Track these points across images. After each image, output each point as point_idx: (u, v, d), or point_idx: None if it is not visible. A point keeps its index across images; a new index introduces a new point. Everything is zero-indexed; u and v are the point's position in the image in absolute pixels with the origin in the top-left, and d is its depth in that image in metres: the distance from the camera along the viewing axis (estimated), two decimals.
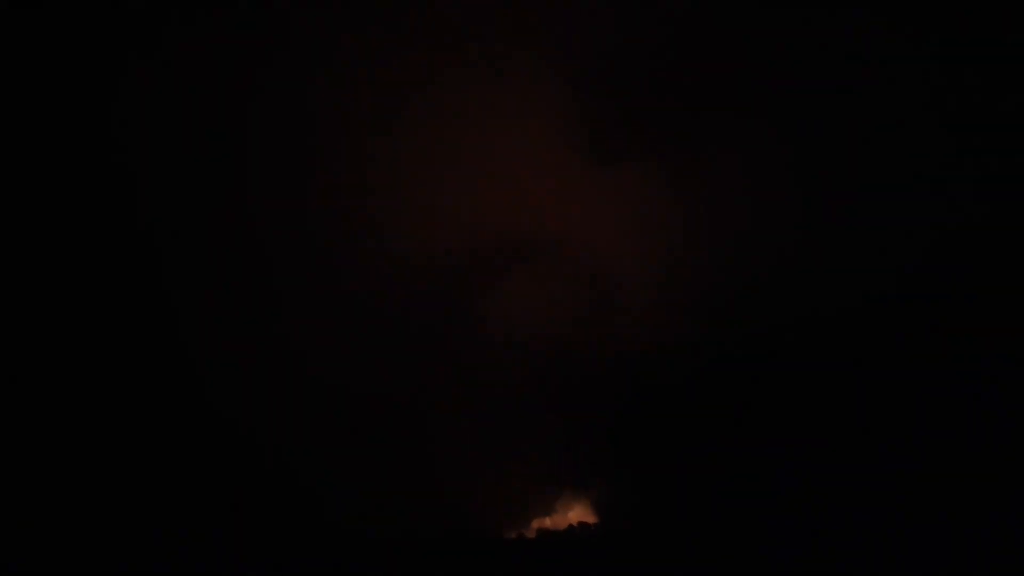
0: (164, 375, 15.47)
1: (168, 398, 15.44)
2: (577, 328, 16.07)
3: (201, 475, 15.29)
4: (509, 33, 16.11)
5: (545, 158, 16.14)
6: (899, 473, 14.87)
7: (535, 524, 15.74)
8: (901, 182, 15.78)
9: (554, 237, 16.21)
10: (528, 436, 15.94)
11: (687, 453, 15.54)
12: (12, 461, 15.00)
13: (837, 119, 15.85)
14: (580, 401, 15.95)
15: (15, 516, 14.66)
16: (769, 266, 15.64)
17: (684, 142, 16.02)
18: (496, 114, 16.13)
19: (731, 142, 15.96)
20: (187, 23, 15.56)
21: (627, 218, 16.20)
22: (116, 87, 15.54)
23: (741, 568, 14.39)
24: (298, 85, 15.78)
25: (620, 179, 16.11)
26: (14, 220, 15.59)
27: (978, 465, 14.78)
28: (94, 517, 14.86)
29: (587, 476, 15.91)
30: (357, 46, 16.03)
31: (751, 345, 15.61)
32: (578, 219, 16.22)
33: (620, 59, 15.99)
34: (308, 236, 16.01)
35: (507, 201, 16.14)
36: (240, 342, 15.76)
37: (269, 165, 15.81)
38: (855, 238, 15.78)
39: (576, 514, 15.76)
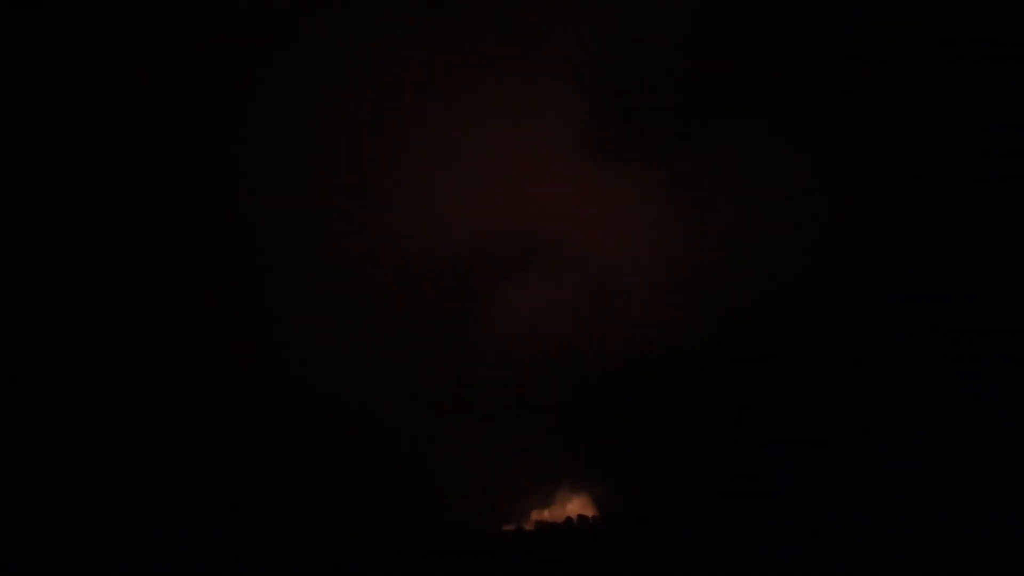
0: (163, 376, 15.65)
1: (168, 399, 15.62)
2: (580, 327, 16.18)
3: (204, 474, 15.50)
4: (515, 31, 16.16)
5: (550, 159, 16.20)
6: (902, 474, 14.92)
7: (534, 517, 15.90)
8: (910, 184, 15.74)
9: (559, 238, 16.31)
10: (529, 431, 16.06)
11: (688, 451, 15.63)
12: (9, 462, 15.20)
13: (846, 120, 15.83)
14: (581, 398, 16.06)
15: (15, 517, 14.85)
16: (776, 269, 15.65)
17: (691, 143, 16.03)
18: (501, 114, 16.19)
19: (739, 144, 15.96)
20: (185, 21, 15.69)
21: (633, 219, 16.23)
22: (115, 86, 15.72)
23: (740, 565, 14.50)
24: (298, 81, 15.90)
25: (626, 180, 16.14)
26: (10, 220, 15.76)
27: (982, 466, 14.83)
28: (92, 517, 15.06)
29: (587, 470, 16.03)
30: (359, 43, 16.11)
31: (755, 346, 15.64)
32: (583, 220, 16.29)
33: (627, 59, 16.02)
34: (310, 235, 16.16)
35: (512, 201, 16.23)
36: (242, 339, 15.94)
37: (270, 163, 15.96)
38: (863, 241, 15.76)
39: (575, 507, 15.92)
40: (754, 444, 15.39)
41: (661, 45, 15.98)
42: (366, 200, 16.15)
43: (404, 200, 16.18)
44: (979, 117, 15.78)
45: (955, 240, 15.44)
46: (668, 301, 15.99)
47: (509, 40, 16.15)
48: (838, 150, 15.79)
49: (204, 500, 15.37)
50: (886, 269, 15.57)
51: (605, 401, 16.00)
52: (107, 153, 15.76)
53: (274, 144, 15.97)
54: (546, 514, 15.95)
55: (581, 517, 15.71)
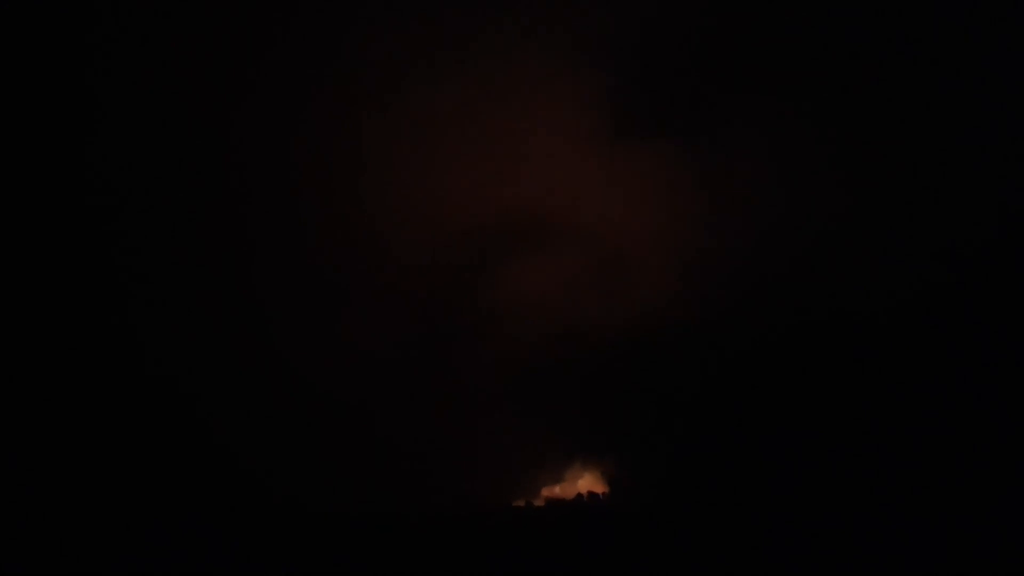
0: (167, 371, 15.65)
1: (172, 394, 15.63)
2: (592, 306, 16.10)
3: (214, 464, 15.52)
4: (529, 13, 16.11)
5: (563, 140, 16.16)
6: (912, 464, 14.71)
7: (544, 492, 15.77)
8: (926, 174, 15.60)
9: (572, 218, 16.27)
10: (540, 409, 15.96)
11: (699, 431, 15.54)
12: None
13: (859, 108, 15.74)
14: (593, 375, 15.97)
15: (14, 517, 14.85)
16: (786, 250, 15.57)
17: (704, 125, 15.98)
18: (515, 93, 16.15)
19: (752, 126, 15.88)
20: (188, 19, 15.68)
21: (645, 200, 16.17)
22: (114, 86, 15.77)
23: (748, 544, 14.27)
24: (304, 59, 15.90)
25: (638, 161, 16.09)
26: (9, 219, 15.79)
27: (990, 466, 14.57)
28: (91, 517, 15.03)
29: (599, 447, 15.90)
30: (370, 22, 16.05)
31: (765, 327, 15.53)
32: (596, 200, 16.25)
33: (640, 40, 15.94)
34: (322, 214, 16.15)
35: (525, 182, 16.22)
36: (257, 322, 16.00)
37: (277, 146, 15.95)
38: (876, 229, 15.65)
39: (586, 483, 15.77)
40: (764, 423, 15.17)
41: (675, 26, 15.87)
42: (380, 180, 16.17)
43: (417, 181, 16.19)
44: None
45: (973, 220, 15.24)
46: (680, 280, 15.93)
47: (521, 22, 16.11)
48: (852, 132, 15.72)
49: (214, 492, 15.40)
50: (897, 255, 15.48)
51: (617, 379, 15.90)
52: (107, 149, 15.84)
53: (283, 123, 15.95)
54: (557, 490, 15.81)
55: (592, 494, 15.53)
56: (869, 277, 15.48)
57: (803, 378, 15.32)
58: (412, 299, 16.27)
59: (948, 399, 14.82)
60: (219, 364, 15.75)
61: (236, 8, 15.57)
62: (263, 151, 16.02)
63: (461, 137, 16.11)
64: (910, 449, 14.67)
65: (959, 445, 14.60)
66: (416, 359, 16.14)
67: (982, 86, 15.53)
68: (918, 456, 14.68)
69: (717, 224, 15.97)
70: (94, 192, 15.91)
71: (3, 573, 14.06)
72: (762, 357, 15.47)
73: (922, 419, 14.85)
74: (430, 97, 16.07)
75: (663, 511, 14.90)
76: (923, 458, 14.64)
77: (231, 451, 15.55)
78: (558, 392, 15.94)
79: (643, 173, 16.09)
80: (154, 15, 15.66)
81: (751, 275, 15.64)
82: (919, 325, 15.12)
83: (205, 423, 15.62)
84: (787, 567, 13.92)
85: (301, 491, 15.38)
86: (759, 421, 15.34)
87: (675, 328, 15.66)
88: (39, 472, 15.16)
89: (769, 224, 15.75)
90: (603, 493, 15.63)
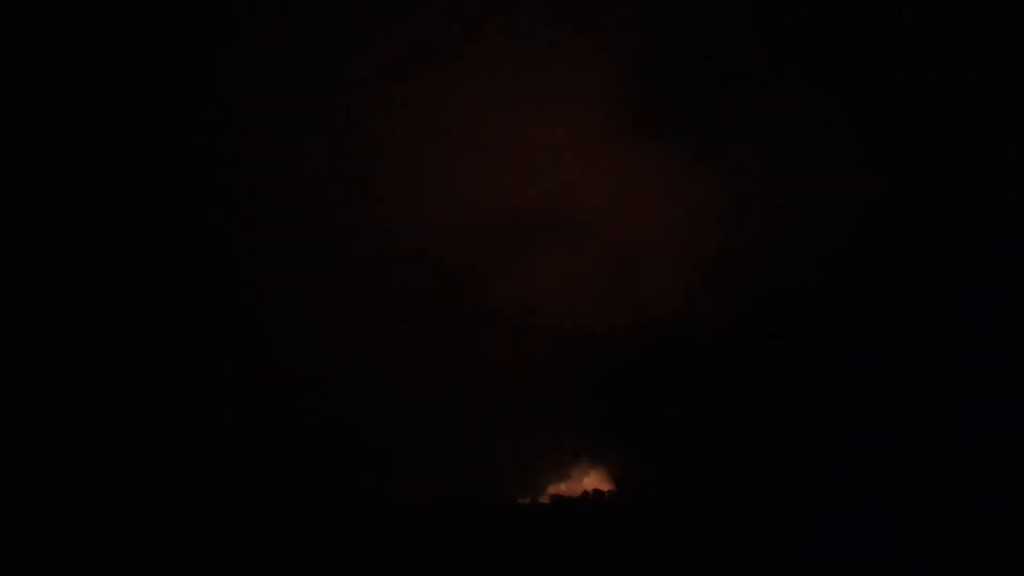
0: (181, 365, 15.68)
1: (183, 387, 15.65)
2: (602, 303, 16.05)
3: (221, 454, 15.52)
4: (544, 10, 16.06)
5: (576, 137, 16.13)
6: (927, 466, 14.56)
7: (550, 490, 15.68)
8: (940, 173, 15.48)
9: (584, 214, 16.22)
10: (548, 405, 15.88)
11: (706, 431, 15.46)
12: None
13: (874, 110, 15.65)
14: (601, 373, 15.91)
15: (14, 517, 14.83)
16: (798, 255, 15.49)
17: (717, 124, 15.92)
18: (528, 89, 16.11)
19: (763, 125, 15.82)
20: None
21: (657, 197, 16.13)
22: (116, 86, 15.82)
23: (755, 544, 14.16)
24: (314, 53, 15.91)
25: (653, 159, 16.04)
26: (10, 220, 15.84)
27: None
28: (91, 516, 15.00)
29: (605, 445, 15.81)
30: (383, 17, 16.07)
31: (775, 326, 15.51)
32: (608, 197, 16.22)
33: (655, 39, 15.89)
34: (330, 210, 16.15)
35: (537, 179, 16.19)
36: (265, 319, 15.99)
37: (286, 140, 15.97)
38: (890, 230, 15.54)
39: (591, 481, 15.66)
40: (773, 423, 15.08)
41: (689, 25, 15.85)
42: (390, 175, 16.16)
43: (428, 177, 16.16)
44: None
45: (990, 221, 15.17)
46: (690, 279, 15.87)
47: (536, 18, 16.06)
48: (867, 133, 15.63)
49: (216, 487, 15.36)
50: (910, 257, 15.38)
51: (624, 377, 15.84)
52: (110, 152, 15.86)
53: (297, 114, 15.97)
54: (563, 487, 15.71)
55: (597, 492, 15.42)
56: (882, 278, 15.41)
57: (813, 379, 15.22)
58: (420, 295, 16.23)
59: (964, 399, 14.63)
60: (221, 358, 15.76)
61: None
62: (273, 145, 16.05)
63: (472, 133, 16.08)
64: (924, 450, 14.49)
65: (979, 445, 14.41)
66: (423, 355, 16.08)
67: (1000, 90, 15.38)
68: (933, 457, 14.50)
69: (728, 223, 15.92)
70: (103, 186, 15.95)
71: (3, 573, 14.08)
72: (772, 357, 15.39)
73: (937, 420, 14.68)
74: (442, 93, 16.04)
75: (669, 510, 14.79)
76: (938, 459, 14.46)
77: (234, 446, 15.52)
78: (565, 390, 15.85)
79: (655, 172, 16.06)
80: (161, 13, 15.70)
81: (762, 275, 15.57)
82: (932, 327, 14.98)
83: (205, 418, 15.61)
84: (794, 567, 13.80)
85: (306, 488, 15.31)
86: (768, 421, 15.21)
87: (684, 327, 15.57)
88: (36, 466, 15.18)
89: (781, 224, 15.68)
90: (609, 491, 15.51)
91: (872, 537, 13.83)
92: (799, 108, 15.64)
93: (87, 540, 14.56)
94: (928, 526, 13.72)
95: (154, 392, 15.60)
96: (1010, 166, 15.31)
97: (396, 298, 16.21)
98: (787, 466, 14.80)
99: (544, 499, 15.61)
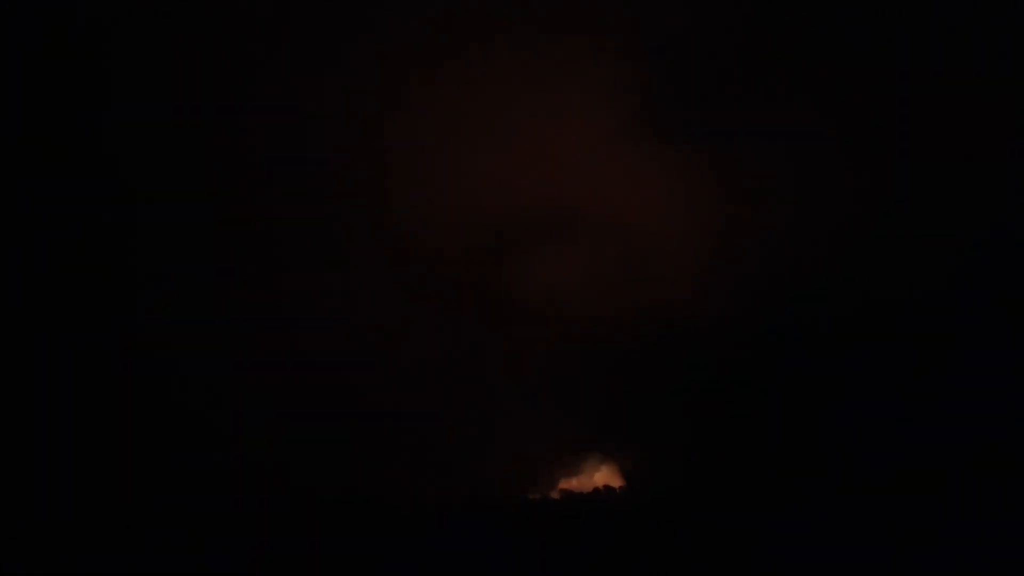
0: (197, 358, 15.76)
1: (207, 384, 15.75)
2: (613, 298, 16.03)
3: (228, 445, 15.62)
4: (553, 7, 16.02)
5: (585, 132, 16.06)
6: (939, 459, 14.60)
7: (561, 485, 15.72)
8: (954, 174, 15.43)
9: (594, 209, 16.19)
10: (559, 400, 15.92)
11: (718, 427, 15.50)
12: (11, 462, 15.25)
13: (889, 108, 15.58)
14: (613, 368, 15.94)
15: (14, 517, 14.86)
16: (808, 243, 15.45)
17: (727, 119, 15.85)
18: (540, 83, 16.04)
19: (773, 120, 15.74)
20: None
21: (667, 192, 16.07)
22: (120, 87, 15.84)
23: (767, 541, 14.18)
24: (327, 49, 15.90)
25: (667, 158, 15.96)
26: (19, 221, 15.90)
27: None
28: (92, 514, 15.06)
29: (616, 441, 15.85)
30: (396, 12, 16.03)
31: (787, 320, 15.46)
32: (618, 192, 16.15)
33: (665, 34, 15.81)
34: (344, 207, 16.13)
35: (547, 174, 16.12)
36: (278, 314, 16.03)
37: (299, 136, 15.93)
38: (902, 229, 15.51)
39: (603, 477, 15.71)
40: (784, 420, 15.09)
41: (704, 26, 15.77)
42: (404, 172, 16.10)
43: (441, 173, 16.12)
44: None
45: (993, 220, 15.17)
46: (702, 273, 15.83)
47: (546, 15, 15.98)
48: (878, 134, 15.57)
49: (234, 479, 15.46)
50: (917, 249, 15.34)
51: (637, 373, 15.84)
52: (114, 151, 15.90)
53: (305, 110, 15.92)
54: (574, 483, 15.75)
55: (608, 487, 15.46)
56: (893, 275, 15.39)
57: (826, 375, 15.24)
58: (432, 290, 16.25)
59: (967, 400, 14.65)
60: (243, 356, 15.82)
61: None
62: (286, 141, 16.04)
63: (488, 134, 16.06)
64: (936, 445, 14.50)
65: (983, 446, 14.43)
66: (435, 351, 16.12)
67: (1002, 90, 15.35)
68: (946, 458, 14.52)
69: (742, 221, 15.88)
70: (119, 183, 16.02)
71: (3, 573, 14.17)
72: (784, 354, 15.39)
73: (947, 414, 14.68)
74: (460, 93, 16.03)
75: (679, 507, 14.84)
76: (948, 460, 14.48)
77: (250, 439, 15.63)
78: (577, 385, 15.89)
79: (670, 170, 16.01)
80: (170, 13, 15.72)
81: (773, 272, 15.55)
82: (943, 323, 14.98)
83: (227, 414, 15.70)
84: (805, 564, 13.83)
85: (316, 481, 15.39)
86: (780, 418, 15.22)
87: (697, 324, 15.58)
88: (45, 453, 15.29)
89: (793, 221, 15.64)
90: (620, 487, 15.55)
91: (885, 534, 13.86)
92: (810, 108, 15.63)
93: (103, 530, 14.74)
94: (941, 528, 13.75)
95: (171, 387, 15.74)
96: (1013, 166, 15.25)
97: (411, 294, 16.22)
98: (799, 463, 14.80)
99: (555, 495, 15.65)
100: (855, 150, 15.49)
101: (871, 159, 15.46)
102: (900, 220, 15.40)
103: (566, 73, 15.99)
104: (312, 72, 15.99)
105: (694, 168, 15.90)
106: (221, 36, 15.74)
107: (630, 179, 16.11)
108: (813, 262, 15.35)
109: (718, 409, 15.44)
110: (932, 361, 14.94)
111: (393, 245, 16.17)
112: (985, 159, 15.23)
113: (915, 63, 15.45)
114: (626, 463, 15.81)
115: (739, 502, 14.69)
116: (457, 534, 14.76)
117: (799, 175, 15.62)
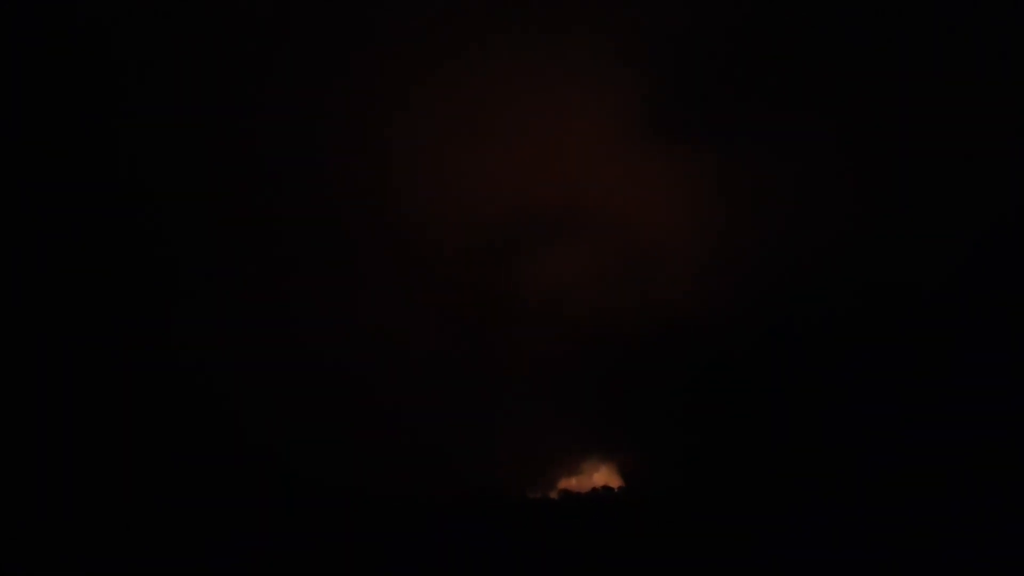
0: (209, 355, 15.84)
1: (213, 381, 15.82)
2: (614, 297, 16.07)
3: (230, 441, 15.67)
4: (557, 8, 16.06)
5: (589, 131, 16.08)
6: (935, 460, 14.56)
7: (560, 485, 15.71)
8: (954, 174, 15.42)
9: (597, 207, 16.20)
10: (560, 400, 15.92)
11: (717, 428, 15.48)
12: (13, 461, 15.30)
13: (889, 108, 15.59)
14: (613, 368, 15.94)
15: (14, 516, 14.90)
16: (811, 253, 15.47)
17: (727, 119, 15.87)
18: (541, 84, 16.08)
19: (773, 120, 15.77)
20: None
21: (669, 190, 16.08)
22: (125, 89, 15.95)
23: (762, 544, 14.16)
24: (335, 47, 15.94)
25: (665, 156, 15.99)
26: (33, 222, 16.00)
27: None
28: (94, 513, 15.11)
29: (616, 440, 15.84)
30: (404, 11, 16.08)
31: (787, 318, 15.46)
32: (621, 190, 16.17)
33: (666, 35, 15.84)
34: (351, 205, 16.19)
35: (551, 172, 16.15)
36: (284, 310, 16.12)
37: (307, 135, 15.99)
38: (902, 229, 15.51)
39: (602, 477, 15.69)
40: (784, 420, 15.07)
41: (709, 29, 15.79)
42: (409, 171, 16.18)
43: (443, 173, 16.17)
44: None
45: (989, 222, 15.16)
46: (703, 273, 15.85)
47: (546, 16, 16.02)
48: (879, 136, 15.58)
49: (238, 474, 15.51)
50: (917, 249, 15.35)
51: (637, 373, 15.84)
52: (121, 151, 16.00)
53: (310, 109, 15.99)
54: (573, 483, 15.75)
55: (607, 487, 15.45)
56: (893, 275, 15.40)
57: (825, 375, 15.21)
58: (434, 289, 16.28)
59: (968, 395, 14.58)
60: (247, 355, 15.90)
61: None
62: (290, 141, 16.11)
63: (493, 134, 16.09)
64: (935, 444, 14.45)
65: (984, 446, 14.37)
66: (436, 350, 16.15)
67: (1001, 90, 15.32)
68: (945, 458, 14.46)
69: (744, 221, 15.90)
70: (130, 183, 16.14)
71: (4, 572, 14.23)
72: (784, 354, 15.36)
73: (944, 416, 14.63)
74: (466, 94, 16.07)
75: (678, 507, 14.81)
76: (946, 460, 14.43)
77: (255, 437, 15.69)
78: (577, 385, 15.89)
79: (674, 170, 16.02)
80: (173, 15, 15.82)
81: (774, 272, 15.54)
82: (943, 322, 14.94)
83: (233, 410, 15.77)
84: (804, 564, 13.80)
85: (319, 476, 15.43)
86: (780, 419, 15.18)
87: (698, 324, 15.58)
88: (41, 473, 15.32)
89: (793, 221, 15.67)
90: (618, 487, 15.53)
91: (884, 535, 13.82)
92: (811, 109, 15.65)
93: (103, 530, 14.79)
94: (936, 527, 13.69)
95: (175, 384, 15.80)
96: (1013, 166, 15.21)
97: (412, 293, 16.25)
98: (797, 464, 14.76)
99: (554, 494, 15.64)
100: (855, 150, 15.51)
101: (871, 159, 15.47)
102: (900, 220, 15.39)
103: (568, 74, 16.02)
104: (316, 73, 16.05)
105: (695, 168, 15.91)
106: (225, 38, 15.83)
107: (631, 179, 16.12)
108: (813, 262, 15.35)
109: (718, 409, 15.39)
110: (932, 361, 14.88)
111: (395, 245, 16.23)
112: (985, 159, 15.18)
113: (915, 63, 15.44)
114: (625, 463, 15.77)
115: (737, 502, 14.64)
116: (456, 532, 14.78)
117: (799, 175, 15.64)
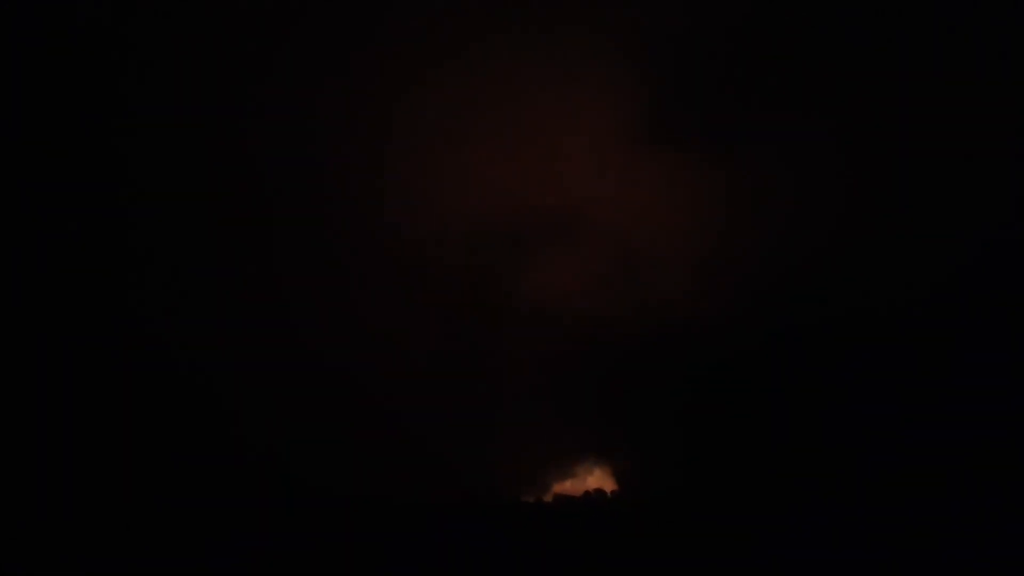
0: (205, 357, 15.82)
1: (209, 384, 15.78)
2: (608, 301, 15.98)
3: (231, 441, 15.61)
4: (555, 12, 16.09)
5: (588, 133, 16.10)
6: (932, 462, 14.36)
7: (555, 488, 15.53)
8: (948, 177, 15.37)
9: (591, 213, 16.17)
10: (554, 403, 15.79)
11: (712, 431, 15.35)
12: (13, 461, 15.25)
13: (889, 109, 15.55)
14: (607, 372, 15.84)
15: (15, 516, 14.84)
16: (806, 256, 15.39)
17: (721, 126, 15.85)
18: (541, 86, 16.11)
19: (768, 125, 15.74)
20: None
21: (664, 196, 16.06)
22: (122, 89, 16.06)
23: (756, 546, 13.95)
24: (332, 49, 16.01)
25: (664, 158, 15.96)
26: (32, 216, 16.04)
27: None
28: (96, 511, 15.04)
29: (610, 444, 15.68)
30: (401, 13, 16.17)
31: (781, 322, 15.37)
32: (615, 196, 16.16)
33: (662, 43, 15.84)
34: (347, 211, 16.19)
35: (546, 178, 16.16)
36: (281, 314, 16.09)
37: (302, 138, 16.02)
38: (901, 230, 15.44)
39: (595, 480, 15.50)
40: (779, 423, 14.92)
41: (707, 33, 15.81)
42: (406, 176, 16.17)
43: (442, 176, 16.17)
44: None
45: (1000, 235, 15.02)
46: (701, 275, 15.77)
47: (546, 17, 16.06)
48: (882, 141, 15.53)
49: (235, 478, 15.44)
50: (916, 249, 15.24)
51: (632, 377, 15.74)
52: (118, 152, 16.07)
53: (305, 112, 16.04)
54: (567, 486, 15.56)
55: (600, 491, 15.26)
56: (892, 275, 15.28)
57: (820, 378, 15.06)
58: (432, 292, 16.23)
59: (965, 396, 14.38)
60: (245, 357, 15.85)
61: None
62: (289, 142, 16.15)
63: (490, 138, 16.11)
64: (929, 447, 14.24)
65: (982, 446, 14.14)
66: (430, 353, 16.07)
67: (1001, 90, 15.25)
68: (942, 458, 14.26)
69: (741, 225, 15.84)
70: (121, 183, 16.20)
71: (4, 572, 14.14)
72: (779, 357, 15.23)
73: (940, 417, 14.42)
74: (456, 93, 16.10)
75: (672, 510, 14.62)
76: (944, 460, 14.21)
77: (254, 439, 15.64)
78: (571, 388, 15.77)
79: (670, 175, 16.01)
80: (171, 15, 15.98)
81: (770, 276, 15.46)
82: (943, 323, 14.78)
83: (229, 413, 15.71)
84: (802, 565, 13.58)
85: (317, 478, 15.33)
86: (775, 421, 15.02)
87: (692, 327, 15.47)
88: (45, 453, 15.30)
89: (793, 222, 15.59)
90: (612, 490, 15.34)
91: (880, 537, 13.57)
92: (810, 110, 15.62)
93: (103, 530, 14.71)
94: (936, 527, 13.46)
95: (173, 385, 15.75)
96: (1013, 166, 15.11)
97: (410, 296, 16.21)
98: (793, 465, 14.56)
99: (548, 498, 15.46)
100: (854, 151, 15.45)
101: (871, 161, 15.41)
102: (899, 221, 15.31)
103: (567, 76, 16.04)
104: (315, 74, 16.12)
105: (694, 170, 15.86)
106: (222, 38, 15.94)
107: (630, 181, 16.10)
108: (812, 263, 15.26)
109: (713, 412, 15.25)
110: (931, 361, 14.70)
111: (394, 246, 16.21)
112: (985, 159, 15.08)
113: (915, 64, 15.40)
114: (621, 466, 15.59)
115: (732, 505, 14.45)
116: (450, 536, 14.61)
117: (798, 176, 15.58)
